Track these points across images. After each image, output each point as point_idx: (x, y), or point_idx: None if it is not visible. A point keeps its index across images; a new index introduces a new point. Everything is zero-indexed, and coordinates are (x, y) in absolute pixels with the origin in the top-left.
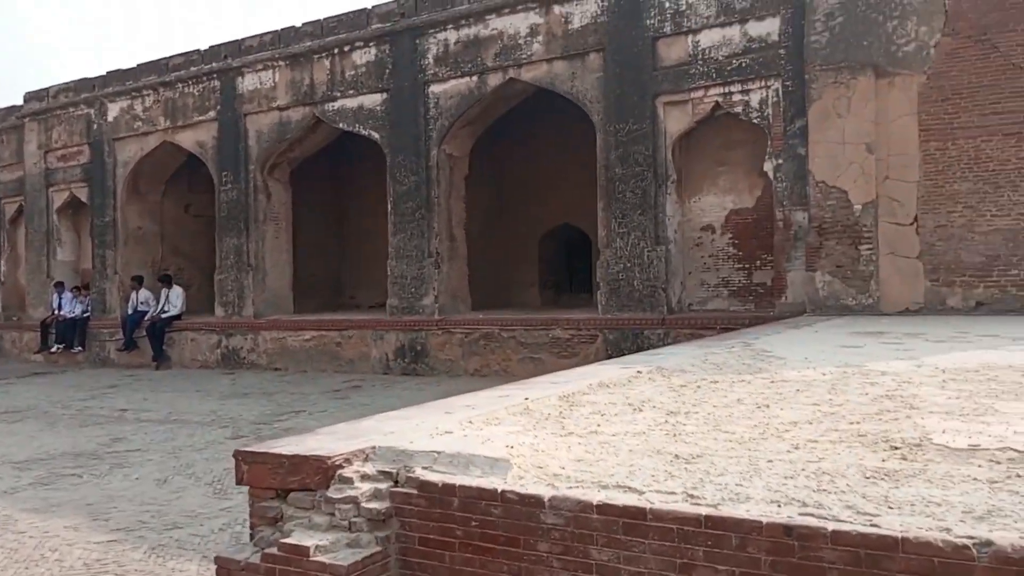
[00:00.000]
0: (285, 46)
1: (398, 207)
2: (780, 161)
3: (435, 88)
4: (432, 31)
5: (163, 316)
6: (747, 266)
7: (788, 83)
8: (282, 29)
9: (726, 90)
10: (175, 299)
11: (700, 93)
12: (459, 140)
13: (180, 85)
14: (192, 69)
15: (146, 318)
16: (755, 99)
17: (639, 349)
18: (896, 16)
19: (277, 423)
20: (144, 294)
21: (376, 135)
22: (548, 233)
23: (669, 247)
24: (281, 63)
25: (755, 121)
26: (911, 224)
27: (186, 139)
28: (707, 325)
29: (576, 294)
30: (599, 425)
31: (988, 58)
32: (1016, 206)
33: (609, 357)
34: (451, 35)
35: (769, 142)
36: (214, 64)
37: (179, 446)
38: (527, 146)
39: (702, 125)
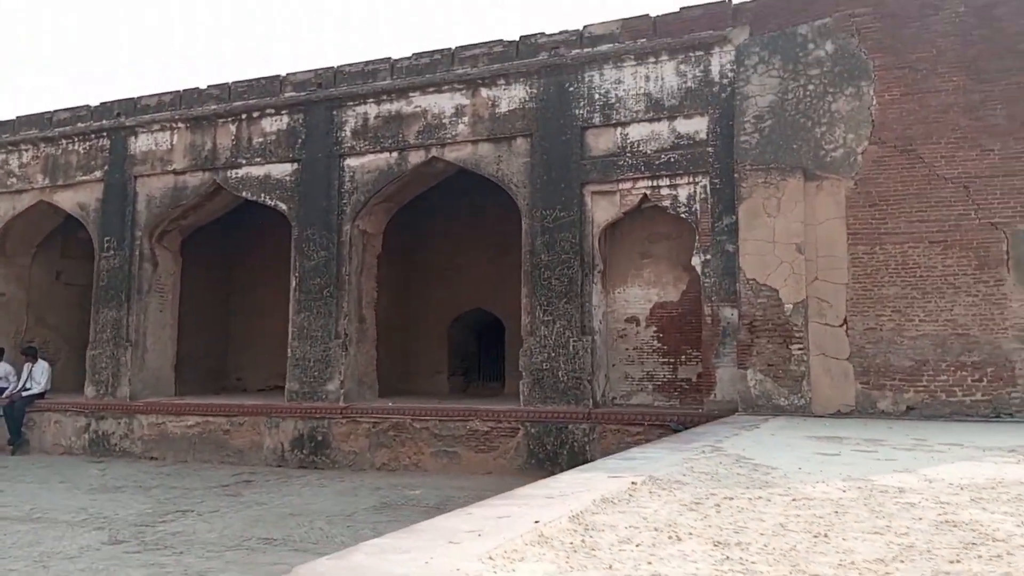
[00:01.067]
0: (187, 107)
1: (304, 284)
2: (708, 256)
3: (351, 162)
4: (351, 103)
5: (24, 394)
6: (672, 361)
7: (716, 180)
8: (184, 90)
9: (654, 183)
10: (39, 375)
11: (628, 184)
12: (374, 216)
13: (64, 141)
14: (79, 125)
15: (4, 395)
16: (683, 194)
17: (563, 444)
18: (825, 123)
19: (162, 525)
20: (4, 368)
21: (283, 206)
22: (459, 317)
23: (595, 337)
24: (181, 125)
25: (683, 215)
26: (841, 326)
27: (66, 200)
28: (634, 421)
29: (486, 383)
30: (649, 563)
31: (913, 167)
32: (943, 312)
33: (531, 452)
34: (371, 109)
35: (697, 237)
36: (104, 121)
37: (47, 552)
38: (439, 225)
39: (628, 216)
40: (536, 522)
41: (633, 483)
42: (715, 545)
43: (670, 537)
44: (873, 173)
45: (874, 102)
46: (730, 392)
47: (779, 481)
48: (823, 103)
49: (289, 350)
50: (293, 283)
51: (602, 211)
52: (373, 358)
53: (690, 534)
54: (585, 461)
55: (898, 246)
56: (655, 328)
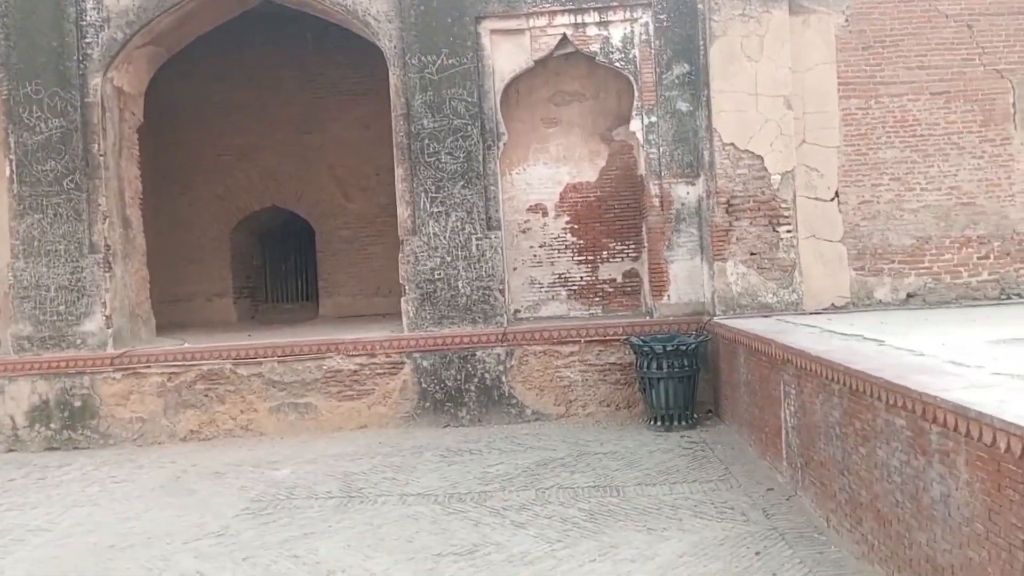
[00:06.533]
0: None
1: (28, 170)
2: (653, 119)
3: None
4: None
5: None
6: (591, 258)
7: (663, 16)
8: None
9: (578, 19)
10: None
11: (543, 20)
12: (135, 66)
13: None
14: None
15: None
16: (617, 35)
17: (469, 378)
18: None
19: None
20: None
21: None
22: (243, 220)
23: (502, 233)
24: None
25: (618, 65)
26: (832, 200)
27: None
28: (566, 339)
29: (279, 304)
30: None
31: (911, 1)
32: (947, 178)
33: (424, 393)
34: None
35: (637, 94)
36: None
37: None
38: (207, 91)
39: (527, 69)
40: None
41: None
42: None
43: None
44: (866, 6)
45: None
46: (687, 292)
47: None
48: None
49: (10, 274)
50: (8, 170)
51: (507, 58)
52: (146, 280)
53: None
54: (501, 396)
55: (896, 99)
56: (568, 218)
